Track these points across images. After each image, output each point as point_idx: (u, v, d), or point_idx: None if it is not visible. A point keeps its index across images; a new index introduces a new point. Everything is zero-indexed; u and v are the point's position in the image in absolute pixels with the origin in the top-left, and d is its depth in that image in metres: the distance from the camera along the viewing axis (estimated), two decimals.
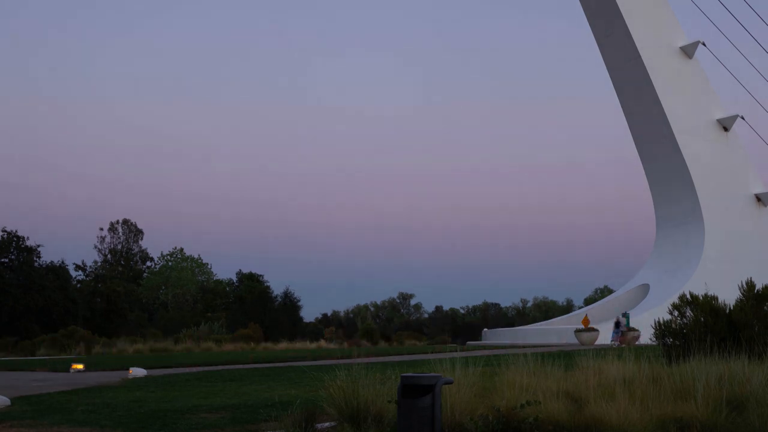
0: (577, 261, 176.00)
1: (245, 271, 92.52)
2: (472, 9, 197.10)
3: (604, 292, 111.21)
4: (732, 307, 17.99)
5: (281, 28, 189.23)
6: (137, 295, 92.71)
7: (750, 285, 18.47)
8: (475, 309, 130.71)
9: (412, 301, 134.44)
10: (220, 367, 30.02)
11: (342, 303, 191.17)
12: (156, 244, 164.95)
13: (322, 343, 63.94)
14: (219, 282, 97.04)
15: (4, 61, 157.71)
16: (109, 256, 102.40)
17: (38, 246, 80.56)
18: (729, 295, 18.63)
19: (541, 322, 77.78)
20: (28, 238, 79.95)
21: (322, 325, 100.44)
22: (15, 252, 79.02)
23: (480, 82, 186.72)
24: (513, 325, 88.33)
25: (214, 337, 60.96)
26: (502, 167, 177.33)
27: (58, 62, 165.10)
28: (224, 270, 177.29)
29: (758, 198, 64.16)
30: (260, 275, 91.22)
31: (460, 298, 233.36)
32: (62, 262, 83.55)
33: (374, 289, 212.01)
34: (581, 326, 51.31)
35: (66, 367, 31.60)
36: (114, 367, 31.30)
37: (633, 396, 10.84)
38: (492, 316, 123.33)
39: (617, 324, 48.89)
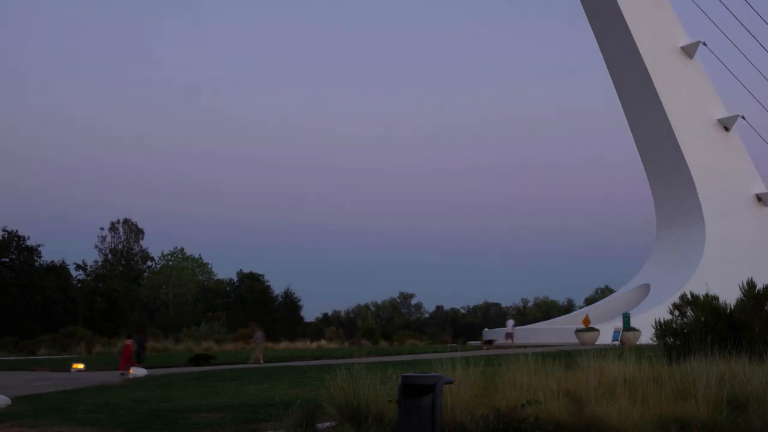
0: (577, 261, 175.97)
1: (246, 270, 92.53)
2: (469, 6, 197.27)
3: (604, 291, 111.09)
4: (733, 307, 18.00)
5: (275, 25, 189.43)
6: (138, 295, 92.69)
7: (750, 285, 18.49)
8: (475, 309, 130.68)
9: (413, 301, 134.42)
10: (220, 367, 30.05)
11: (342, 303, 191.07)
12: (156, 244, 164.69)
13: (323, 342, 63.95)
14: (219, 282, 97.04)
15: (4, 59, 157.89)
16: (109, 255, 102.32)
17: (39, 246, 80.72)
18: (729, 295, 18.60)
19: (542, 322, 77.71)
20: (28, 237, 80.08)
21: (323, 324, 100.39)
22: (15, 252, 79.08)
23: (479, 80, 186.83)
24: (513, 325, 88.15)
25: (214, 337, 60.96)
26: (502, 166, 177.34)
27: (59, 61, 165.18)
28: (224, 270, 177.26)
29: (759, 198, 64.11)
30: (261, 275, 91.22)
31: (460, 298, 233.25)
32: (63, 262, 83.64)
33: (375, 288, 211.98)
34: (582, 326, 51.27)
35: (67, 367, 31.66)
36: (115, 367, 31.31)
37: (633, 396, 10.84)
38: (492, 315, 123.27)
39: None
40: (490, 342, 48.22)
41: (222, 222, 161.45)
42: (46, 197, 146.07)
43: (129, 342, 29.72)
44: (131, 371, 25.92)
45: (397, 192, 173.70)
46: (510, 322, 53.04)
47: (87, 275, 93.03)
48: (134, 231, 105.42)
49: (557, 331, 59.62)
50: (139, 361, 28.97)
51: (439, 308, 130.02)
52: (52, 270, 79.63)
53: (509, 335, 51.53)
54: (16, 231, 79.19)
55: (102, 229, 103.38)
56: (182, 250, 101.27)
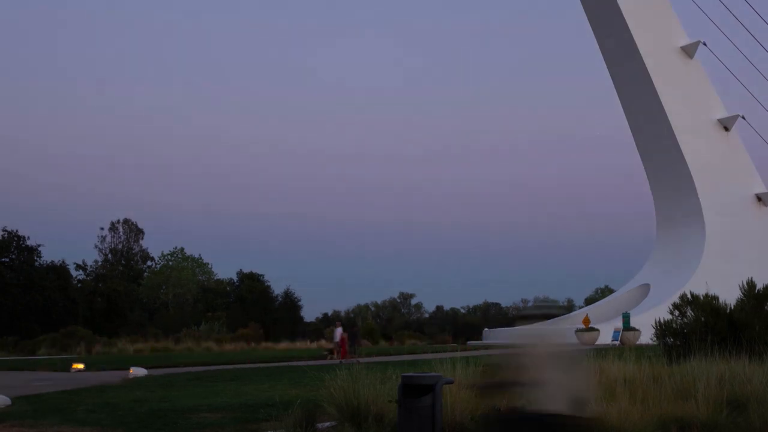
0: (577, 261, 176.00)
1: (246, 270, 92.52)
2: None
3: (604, 291, 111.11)
4: (733, 307, 18.01)
5: (282, 8, 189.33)
6: (138, 295, 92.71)
7: (750, 285, 18.50)
8: (475, 308, 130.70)
9: (413, 301, 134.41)
10: (220, 367, 30.06)
11: (342, 303, 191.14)
12: (156, 244, 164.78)
13: (323, 342, 63.91)
14: (219, 281, 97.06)
15: (4, 59, 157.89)
16: (109, 255, 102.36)
17: (39, 245, 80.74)
18: (729, 295, 18.61)
19: (542, 322, 77.66)
20: (28, 237, 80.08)
21: (323, 324, 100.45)
22: (15, 251, 79.10)
23: (478, 80, 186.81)
24: (514, 325, 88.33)
25: (214, 337, 60.99)
26: (502, 166, 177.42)
27: (60, 62, 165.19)
28: (224, 269, 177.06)
29: (759, 198, 64.17)
30: (261, 275, 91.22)
31: (460, 298, 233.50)
32: (63, 262, 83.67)
33: (375, 288, 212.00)
34: (582, 326, 51.30)
35: (66, 367, 31.68)
36: (115, 367, 31.33)
37: (634, 396, 10.85)
38: (492, 315, 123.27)
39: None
40: (331, 351, 38.66)
41: (222, 222, 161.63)
42: (46, 197, 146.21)
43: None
44: (131, 371, 25.94)
45: (397, 192, 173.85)
46: (338, 331, 38.37)
47: (87, 275, 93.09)
48: (134, 231, 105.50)
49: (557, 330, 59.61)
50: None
51: (439, 308, 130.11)
52: (52, 270, 79.66)
53: (336, 345, 37.93)
54: (16, 231, 79.29)
55: (102, 229, 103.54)
56: (182, 250, 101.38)
